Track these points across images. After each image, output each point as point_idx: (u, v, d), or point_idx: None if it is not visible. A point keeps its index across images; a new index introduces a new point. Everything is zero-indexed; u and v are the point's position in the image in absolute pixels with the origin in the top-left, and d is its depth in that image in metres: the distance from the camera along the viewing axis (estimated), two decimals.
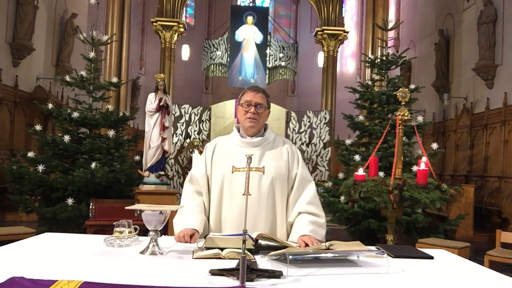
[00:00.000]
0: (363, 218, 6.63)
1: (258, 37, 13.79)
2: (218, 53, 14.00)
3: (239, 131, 2.39)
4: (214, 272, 1.60)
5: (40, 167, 6.56)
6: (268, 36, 14.10)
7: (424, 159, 3.90)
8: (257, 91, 2.33)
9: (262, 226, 2.22)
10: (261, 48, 13.80)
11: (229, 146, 2.38)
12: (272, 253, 1.86)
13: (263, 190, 2.26)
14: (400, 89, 4.25)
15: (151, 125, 6.43)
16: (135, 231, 2.16)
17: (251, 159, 1.83)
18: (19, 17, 10.19)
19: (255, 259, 1.81)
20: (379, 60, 8.10)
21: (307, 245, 2.05)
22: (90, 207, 5.62)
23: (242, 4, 19.73)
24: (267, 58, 13.98)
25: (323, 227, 2.27)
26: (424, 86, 8.84)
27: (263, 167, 2.29)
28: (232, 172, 2.28)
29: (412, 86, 7.56)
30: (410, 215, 6.42)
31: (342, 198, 6.54)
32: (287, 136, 10.46)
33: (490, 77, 10.31)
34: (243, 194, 1.74)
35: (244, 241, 1.51)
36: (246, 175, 1.76)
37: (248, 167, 1.79)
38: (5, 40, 9.94)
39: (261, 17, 13.96)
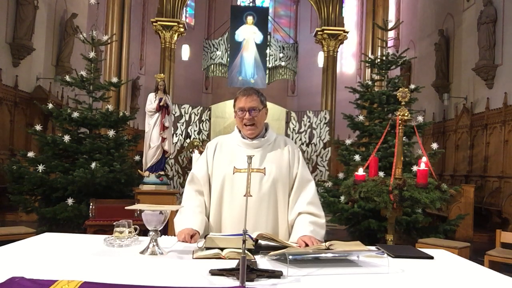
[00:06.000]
0: (363, 218, 6.63)
1: (258, 37, 13.77)
2: (218, 53, 13.98)
3: (240, 132, 2.37)
4: (214, 272, 1.60)
5: (40, 167, 6.56)
6: (268, 36, 14.07)
7: (424, 159, 3.90)
8: (248, 94, 2.28)
9: (263, 227, 2.21)
10: (261, 48, 13.78)
11: (230, 146, 2.37)
12: (272, 253, 1.86)
13: (264, 191, 2.26)
14: (400, 89, 4.25)
15: (151, 125, 6.43)
16: (135, 231, 2.15)
17: (251, 160, 1.82)
18: (19, 17, 10.19)
19: (255, 259, 1.81)
20: (379, 60, 8.09)
21: (307, 245, 2.05)
22: (90, 207, 5.61)
23: (242, 4, 19.72)
24: (267, 58, 13.96)
25: (323, 227, 2.27)
26: (424, 86, 8.83)
27: (264, 168, 2.28)
28: (233, 173, 2.27)
29: (412, 86, 7.56)
30: (410, 215, 6.42)
31: (342, 198, 6.54)
32: (287, 136, 10.45)
33: (490, 77, 10.31)
34: (244, 195, 1.73)
35: (244, 241, 1.51)
36: (247, 176, 1.76)
37: (249, 168, 1.78)
38: (5, 40, 9.95)
39: (261, 17, 13.94)
